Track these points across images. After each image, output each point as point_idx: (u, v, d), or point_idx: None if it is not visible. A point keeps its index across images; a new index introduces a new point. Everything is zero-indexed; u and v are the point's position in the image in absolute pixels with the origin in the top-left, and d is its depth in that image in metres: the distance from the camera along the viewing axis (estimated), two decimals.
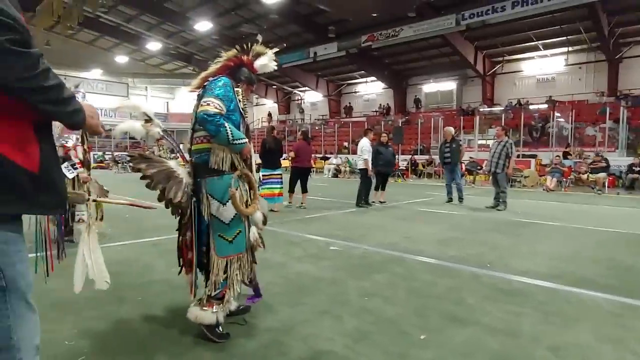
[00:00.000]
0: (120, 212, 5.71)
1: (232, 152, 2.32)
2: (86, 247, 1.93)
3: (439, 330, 2.45)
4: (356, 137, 24.47)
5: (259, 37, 2.61)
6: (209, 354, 2.14)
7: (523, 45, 21.78)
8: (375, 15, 20.69)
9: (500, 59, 23.69)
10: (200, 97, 2.37)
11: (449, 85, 26.22)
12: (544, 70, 22.56)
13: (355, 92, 31.25)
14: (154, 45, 28.80)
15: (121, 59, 31.91)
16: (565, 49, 21.33)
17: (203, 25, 23.93)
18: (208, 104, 2.24)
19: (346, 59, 24.32)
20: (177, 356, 2.12)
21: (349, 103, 30.81)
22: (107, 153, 27.34)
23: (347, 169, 20.26)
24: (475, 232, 5.63)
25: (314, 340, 2.28)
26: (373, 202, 8.60)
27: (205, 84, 2.42)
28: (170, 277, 3.36)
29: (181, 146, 2.64)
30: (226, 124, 2.24)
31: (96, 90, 30.84)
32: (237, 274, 2.37)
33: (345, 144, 24.33)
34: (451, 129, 9.70)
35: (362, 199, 8.37)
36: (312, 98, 32.58)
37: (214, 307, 2.31)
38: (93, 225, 1.99)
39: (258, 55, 2.57)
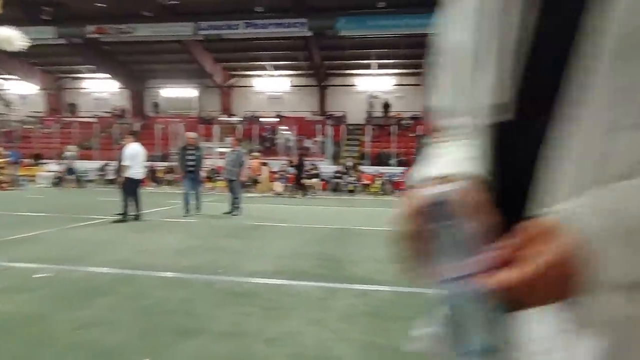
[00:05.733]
0: None
1: None
2: None
3: (167, 347, 2.34)
4: (83, 140, 21.40)
5: None
6: None
7: (256, 63, 24.07)
8: (102, 5, 18.60)
9: (236, 73, 25.44)
10: None
11: (189, 92, 26.27)
12: (273, 87, 25.57)
13: (81, 88, 27.29)
14: None
15: None
16: (290, 72, 24.81)
17: None
18: None
19: (68, 48, 20.94)
20: None
21: (74, 100, 26.65)
22: None
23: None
24: (212, 239, 5.76)
25: None
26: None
27: None
28: None
29: None
30: None
31: None
32: None
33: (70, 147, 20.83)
34: (195, 134, 8.90)
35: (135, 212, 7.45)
36: (21, 90, 26.48)
37: None
38: None
39: None
